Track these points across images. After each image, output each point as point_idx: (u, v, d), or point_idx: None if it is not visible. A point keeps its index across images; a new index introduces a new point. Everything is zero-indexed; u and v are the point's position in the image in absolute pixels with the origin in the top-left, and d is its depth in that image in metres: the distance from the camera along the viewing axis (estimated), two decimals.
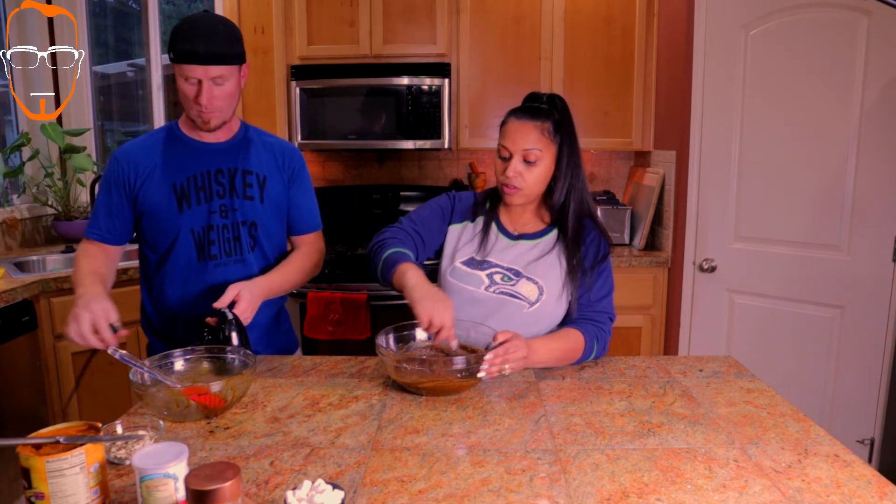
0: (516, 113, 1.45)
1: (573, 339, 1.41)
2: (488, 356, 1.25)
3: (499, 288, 1.45)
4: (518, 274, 1.46)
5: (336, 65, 2.97)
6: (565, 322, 1.49)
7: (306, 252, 1.68)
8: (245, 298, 1.42)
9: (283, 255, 1.67)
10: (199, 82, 1.44)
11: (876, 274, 2.16)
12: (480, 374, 1.25)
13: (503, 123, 1.47)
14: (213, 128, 1.52)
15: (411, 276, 1.33)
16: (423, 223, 1.55)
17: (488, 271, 1.47)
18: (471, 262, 1.49)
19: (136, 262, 2.66)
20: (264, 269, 1.60)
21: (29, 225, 3.06)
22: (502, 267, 1.47)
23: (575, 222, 1.47)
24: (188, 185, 1.53)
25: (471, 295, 1.46)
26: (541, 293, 1.44)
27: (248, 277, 1.52)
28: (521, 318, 1.43)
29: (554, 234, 1.50)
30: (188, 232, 1.53)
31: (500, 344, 1.27)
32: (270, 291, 1.54)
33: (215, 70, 1.43)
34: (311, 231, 1.71)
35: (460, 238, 1.54)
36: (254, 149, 1.61)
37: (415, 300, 1.29)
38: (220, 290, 1.47)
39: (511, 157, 1.42)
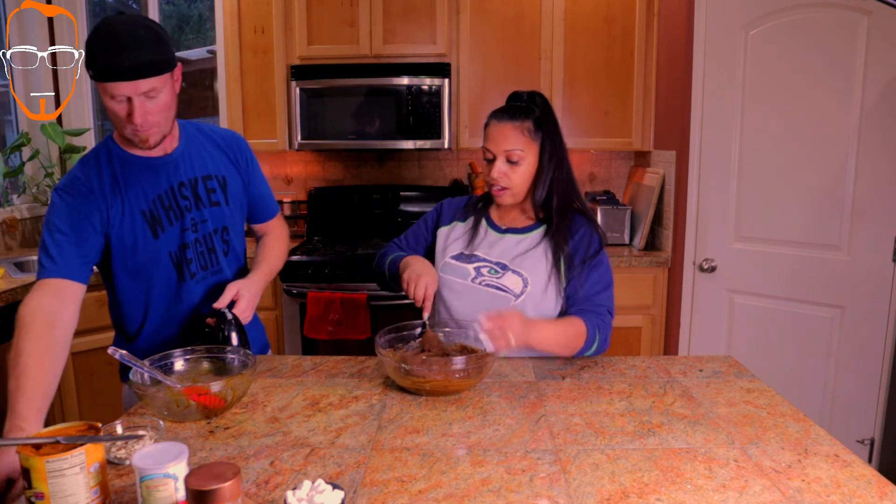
0: (497, 114, 1.47)
1: (576, 326, 1.40)
2: (485, 323, 1.26)
3: (485, 280, 1.48)
4: (504, 267, 1.48)
5: (336, 65, 2.97)
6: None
7: (277, 235, 1.69)
8: (245, 297, 1.41)
9: (244, 250, 1.64)
10: (129, 99, 1.26)
11: (876, 274, 2.16)
12: (486, 342, 1.27)
13: (486, 126, 1.48)
14: (154, 145, 1.37)
15: (412, 259, 1.50)
16: (415, 235, 1.66)
17: (476, 264, 1.50)
18: (459, 257, 1.53)
19: None
20: (238, 272, 1.57)
21: (29, 225, 3.06)
22: (489, 261, 1.50)
23: (560, 216, 1.48)
24: (156, 208, 1.41)
25: (458, 287, 1.50)
26: (525, 285, 1.45)
27: (223, 286, 1.45)
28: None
29: (542, 229, 1.51)
30: (167, 256, 1.44)
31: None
32: (267, 283, 1.55)
33: (145, 84, 1.25)
34: (273, 216, 1.71)
35: (449, 237, 1.58)
36: (205, 150, 1.51)
37: (404, 269, 1.44)
38: (200, 307, 1.47)
39: (495, 158, 1.45)
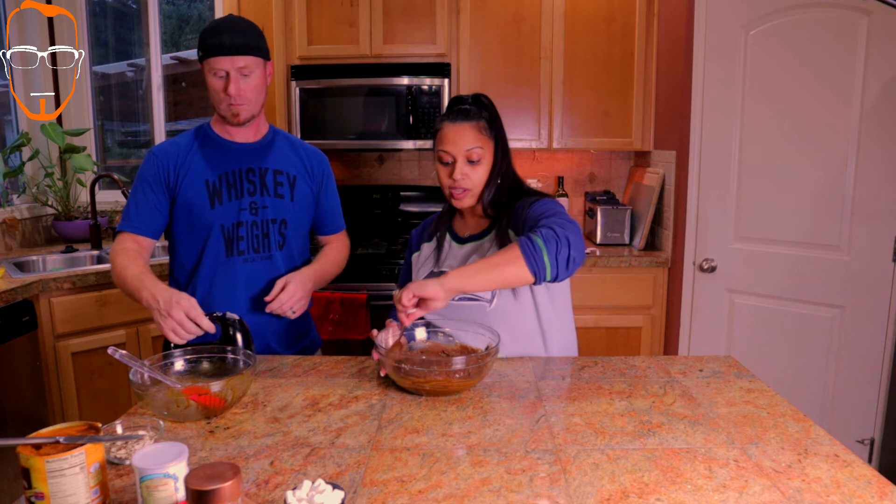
0: (449, 117, 1.46)
1: (505, 248, 1.28)
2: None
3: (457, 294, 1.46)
4: None
5: (336, 65, 2.97)
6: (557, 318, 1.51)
7: (336, 246, 1.79)
8: (293, 283, 1.51)
9: (306, 260, 1.72)
10: (227, 74, 1.50)
11: (876, 274, 2.16)
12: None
13: (437, 131, 1.48)
14: (244, 121, 1.57)
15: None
16: (404, 276, 1.67)
17: None
18: (430, 276, 1.52)
19: None
20: (290, 270, 1.63)
21: (29, 225, 3.06)
22: None
23: (507, 211, 1.47)
24: (220, 182, 1.58)
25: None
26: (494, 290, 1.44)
27: (271, 275, 1.60)
28: (484, 319, 1.44)
29: (495, 230, 1.50)
30: (219, 228, 1.57)
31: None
32: (318, 280, 1.63)
33: (241, 60, 1.49)
34: (338, 231, 1.83)
35: (419, 261, 1.60)
36: (282, 150, 1.68)
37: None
38: (245, 286, 1.59)
39: (455, 160, 1.44)
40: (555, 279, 1.25)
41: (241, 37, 1.50)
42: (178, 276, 1.66)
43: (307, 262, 1.72)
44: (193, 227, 1.59)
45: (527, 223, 1.38)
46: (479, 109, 1.46)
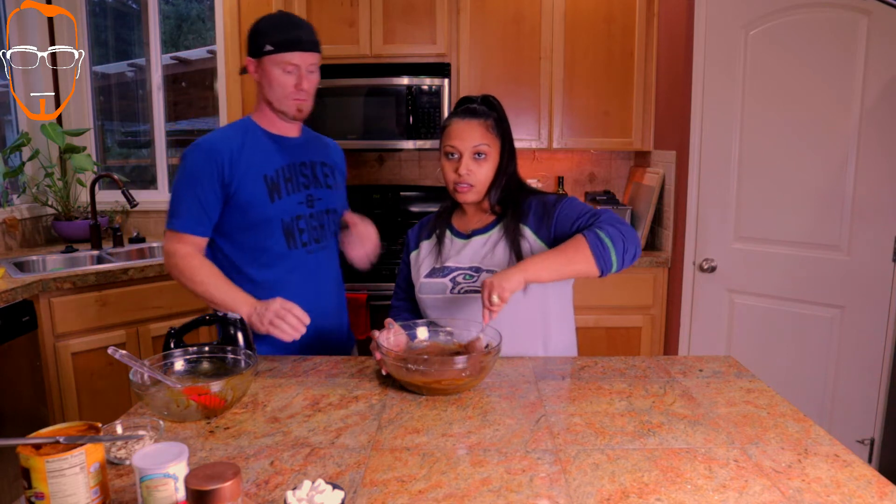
0: (457, 114, 1.49)
1: (571, 241, 1.34)
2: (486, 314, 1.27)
3: (462, 287, 1.48)
4: (478, 270, 1.49)
5: (336, 65, 2.97)
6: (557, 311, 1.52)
7: None
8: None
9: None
10: (299, 69, 1.53)
11: (876, 274, 2.16)
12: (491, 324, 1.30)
13: (445, 127, 1.50)
14: (304, 116, 1.62)
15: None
16: (403, 277, 1.66)
17: (450, 276, 1.50)
18: (432, 272, 1.54)
19: (136, 263, 2.66)
20: (338, 256, 1.75)
21: (29, 225, 3.06)
22: (462, 268, 1.50)
23: (514, 205, 1.50)
24: (277, 176, 1.59)
25: (439, 303, 1.50)
26: None
27: (332, 263, 1.71)
28: None
29: (503, 222, 1.51)
30: (279, 222, 1.59)
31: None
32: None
33: (312, 57, 1.55)
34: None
35: (419, 258, 1.60)
36: (318, 143, 1.75)
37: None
38: (311, 277, 1.64)
39: (461, 155, 1.46)
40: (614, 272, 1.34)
41: (313, 34, 1.56)
42: (231, 271, 1.61)
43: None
44: (250, 222, 1.57)
45: (568, 221, 1.42)
46: (487, 109, 1.49)
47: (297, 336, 1.40)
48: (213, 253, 1.62)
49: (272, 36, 1.52)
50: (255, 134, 1.61)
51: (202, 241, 1.58)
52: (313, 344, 1.62)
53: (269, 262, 1.60)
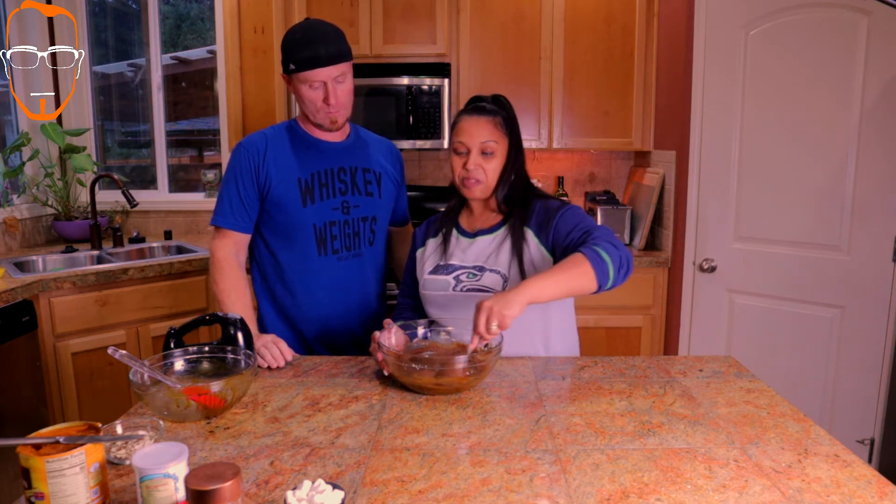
0: (468, 111, 1.51)
1: (570, 258, 1.32)
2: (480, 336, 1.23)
3: (465, 286, 1.48)
4: (481, 269, 1.49)
5: None
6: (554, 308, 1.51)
7: (408, 238, 1.79)
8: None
9: (384, 247, 1.79)
10: (325, 85, 1.52)
11: (876, 274, 2.16)
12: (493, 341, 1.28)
13: (455, 123, 1.52)
14: (341, 126, 1.61)
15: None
16: (409, 273, 1.65)
17: (454, 273, 1.51)
18: (436, 269, 1.54)
19: (136, 263, 2.66)
20: (378, 265, 1.72)
21: (29, 225, 3.06)
22: (466, 266, 1.51)
23: (521, 206, 1.51)
24: (312, 180, 1.59)
25: (441, 300, 1.50)
26: (505, 281, 1.45)
27: (364, 273, 1.67)
28: None
29: (509, 223, 1.52)
30: (310, 226, 1.59)
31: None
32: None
33: (336, 69, 1.52)
34: (407, 223, 1.90)
35: (424, 255, 1.61)
36: (366, 148, 1.71)
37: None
38: (338, 284, 1.63)
39: (469, 151, 1.47)
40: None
41: (334, 45, 1.52)
42: (263, 272, 1.67)
43: (384, 247, 1.77)
44: (282, 224, 1.59)
45: (564, 230, 1.43)
46: (497, 107, 1.51)
47: (275, 365, 1.43)
48: (258, 249, 1.66)
49: (294, 54, 1.50)
50: (296, 136, 1.62)
51: (242, 238, 1.60)
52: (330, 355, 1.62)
53: (298, 266, 1.61)
